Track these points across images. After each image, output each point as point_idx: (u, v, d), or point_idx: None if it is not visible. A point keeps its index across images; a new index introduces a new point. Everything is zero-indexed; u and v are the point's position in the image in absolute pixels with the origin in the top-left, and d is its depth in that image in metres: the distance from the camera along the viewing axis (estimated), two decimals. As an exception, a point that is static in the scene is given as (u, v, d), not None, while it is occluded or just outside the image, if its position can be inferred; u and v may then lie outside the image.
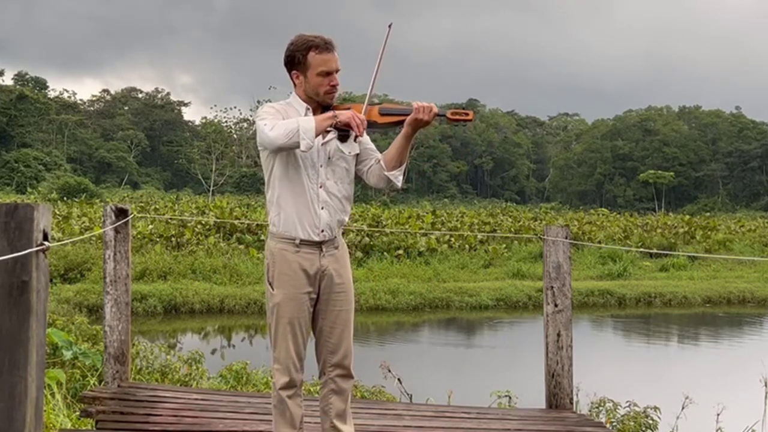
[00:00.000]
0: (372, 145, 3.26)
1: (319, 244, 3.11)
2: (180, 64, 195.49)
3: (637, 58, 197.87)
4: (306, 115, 3.09)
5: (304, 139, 2.88)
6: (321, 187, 3.09)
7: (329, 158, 3.10)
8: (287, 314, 3.09)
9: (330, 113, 2.96)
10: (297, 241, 3.08)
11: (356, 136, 2.95)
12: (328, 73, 3.04)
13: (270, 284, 3.13)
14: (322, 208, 3.08)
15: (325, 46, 3.02)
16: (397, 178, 3.14)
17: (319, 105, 3.13)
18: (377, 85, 3.19)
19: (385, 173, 3.14)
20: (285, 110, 3.12)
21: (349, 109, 3.09)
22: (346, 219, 3.19)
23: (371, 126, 3.12)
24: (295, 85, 3.14)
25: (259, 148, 3.10)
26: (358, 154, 3.21)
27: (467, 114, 2.94)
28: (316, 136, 2.93)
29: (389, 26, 3.10)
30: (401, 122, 3.05)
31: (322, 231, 3.10)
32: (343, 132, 3.07)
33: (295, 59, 3.06)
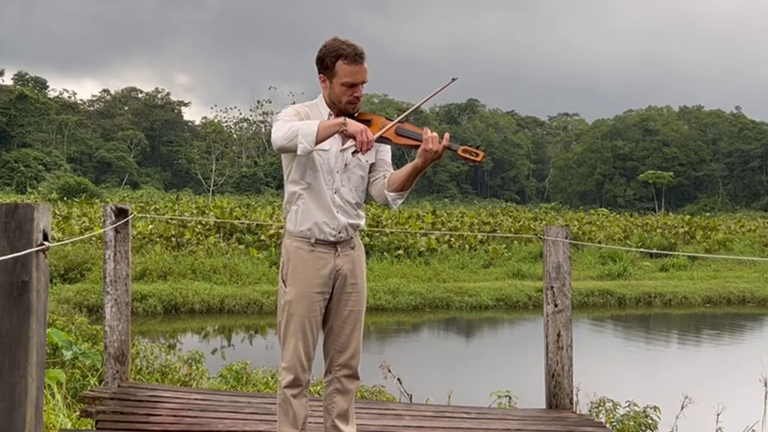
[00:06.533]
0: (388, 159, 3.25)
1: (334, 244, 3.11)
2: (180, 64, 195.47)
3: (638, 58, 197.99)
4: (329, 119, 3.07)
5: (301, 143, 2.84)
6: (336, 192, 3.09)
7: (346, 165, 3.10)
8: (298, 312, 3.09)
9: (340, 119, 2.89)
10: (312, 240, 3.09)
11: (355, 151, 2.87)
12: (353, 85, 3.02)
13: (283, 282, 3.14)
14: (338, 213, 3.09)
15: (355, 57, 2.99)
16: (396, 201, 3.13)
17: (341, 112, 3.11)
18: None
19: (385, 192, 3.13)
20: (308, 112, 3.11)
21: (370, 120, 3.07)
22: (361, 223, 3.19)
23: (385, 142, 3.10)
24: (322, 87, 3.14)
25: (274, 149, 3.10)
26: (373, 163, 3.20)
27: (477, 155, 2.94)
28: (319, 141, 2.87)
29: (453, 79, 3.04)
30: (415, 147, 3.01)
31: (339, 233, 3.11)
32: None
33: (324, 63, 3.05)
